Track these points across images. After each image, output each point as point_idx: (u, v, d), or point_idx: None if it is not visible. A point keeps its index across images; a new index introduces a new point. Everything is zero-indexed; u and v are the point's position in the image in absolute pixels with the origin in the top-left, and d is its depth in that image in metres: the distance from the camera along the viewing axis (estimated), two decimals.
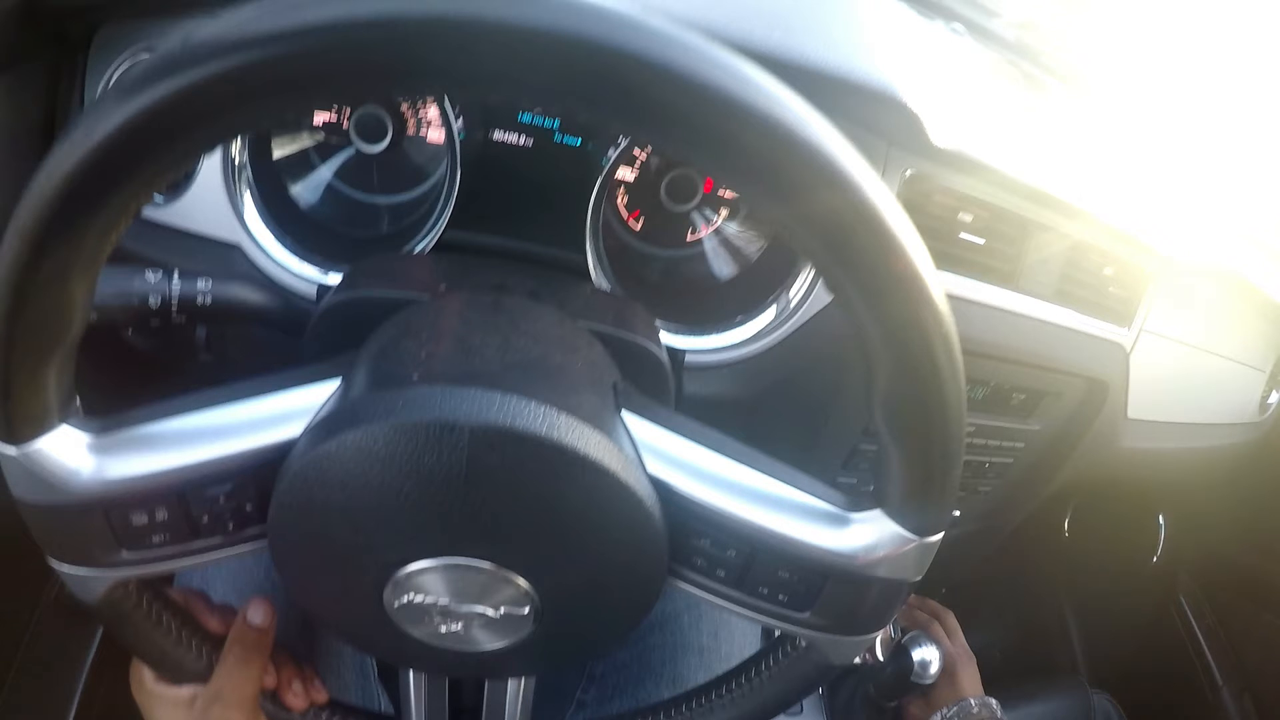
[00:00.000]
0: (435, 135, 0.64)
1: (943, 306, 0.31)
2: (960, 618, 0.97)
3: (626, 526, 0.38)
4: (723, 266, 0.68)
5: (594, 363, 0.44)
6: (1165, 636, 1.21)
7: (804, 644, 0.46)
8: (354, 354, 0.42)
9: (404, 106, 0.62)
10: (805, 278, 0.63)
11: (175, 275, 0.50)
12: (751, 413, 0.64)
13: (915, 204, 0.62)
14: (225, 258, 0.59)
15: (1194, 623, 1.19)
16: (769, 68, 0.26)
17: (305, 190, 0.64)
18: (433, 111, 0.63)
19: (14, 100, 0.55)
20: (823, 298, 0.62)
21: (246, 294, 0.53)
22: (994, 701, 0.86)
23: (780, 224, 0.29)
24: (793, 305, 0.63)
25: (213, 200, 0.58)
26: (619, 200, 0.66)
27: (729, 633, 0.77)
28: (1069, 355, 0.73)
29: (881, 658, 0.85)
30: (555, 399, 0.37)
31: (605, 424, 0.39)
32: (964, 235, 0.65)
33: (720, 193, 0.66)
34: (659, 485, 0.39)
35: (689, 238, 0.68)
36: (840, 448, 0.73)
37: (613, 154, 0.57)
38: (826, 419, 0.70)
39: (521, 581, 0.40)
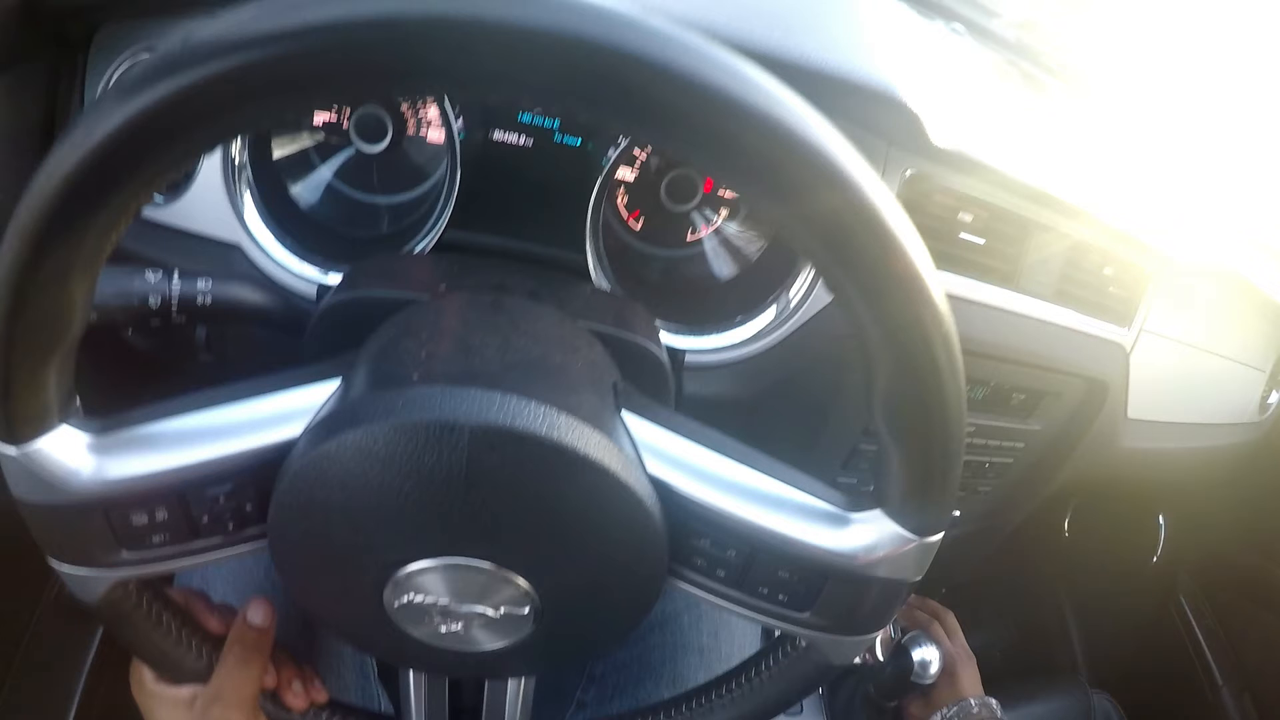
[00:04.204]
0: (435, 135, 0.64)
1: (943, 306, 0.31)
2: (960, 618, 0.97)
3: (626, 526, 0.38)
4: (723, 266, 0.68)
5: (594, 363, 0.44)
6: (1165, 636, 1.21)
7: (804, 644, 0.46)
8: (354, 354, 0.42)
9: (404, 106, 0.62)
10: (805, 278, 0.63)
11: (175, 275, 0.50)
12: (751, 413, 0.64)
13: (915, 204, 0.62)
14: (225, 258, 0.59)
15: (1194, 623, 1.19)
16: (769, 68, 0.26)
17: (305, 190, 0.64)
18: (433, 111, 0.63)
19: (14, 100, 0.55)
20: (823, 298, 0.62)
21: (246, 294, 0.53)
22: (994, 701, 0.86)
23: (780, 224, 0.29)
24: (793, 305, 0.63)
25: (213, 200, 0.58)
26: (619, 200, 0.66)
27: (729, 633, 0.77)
28: (1069, 355, 0.73)
29: (881, 658, 0.85)
30: (555, 399, 0.37)
31: (605, 424, 0.39)
32: (964, 235, 0.65)
33: (720, 193, 0.66)
34: (659, 485, 0.39)
35: (689, 238, 0.68)
36: (840, 448, 0.73)
37: (613, 154, 0.57)
38: (826, 419, 0.70)
39: (521, 581, 0.40)
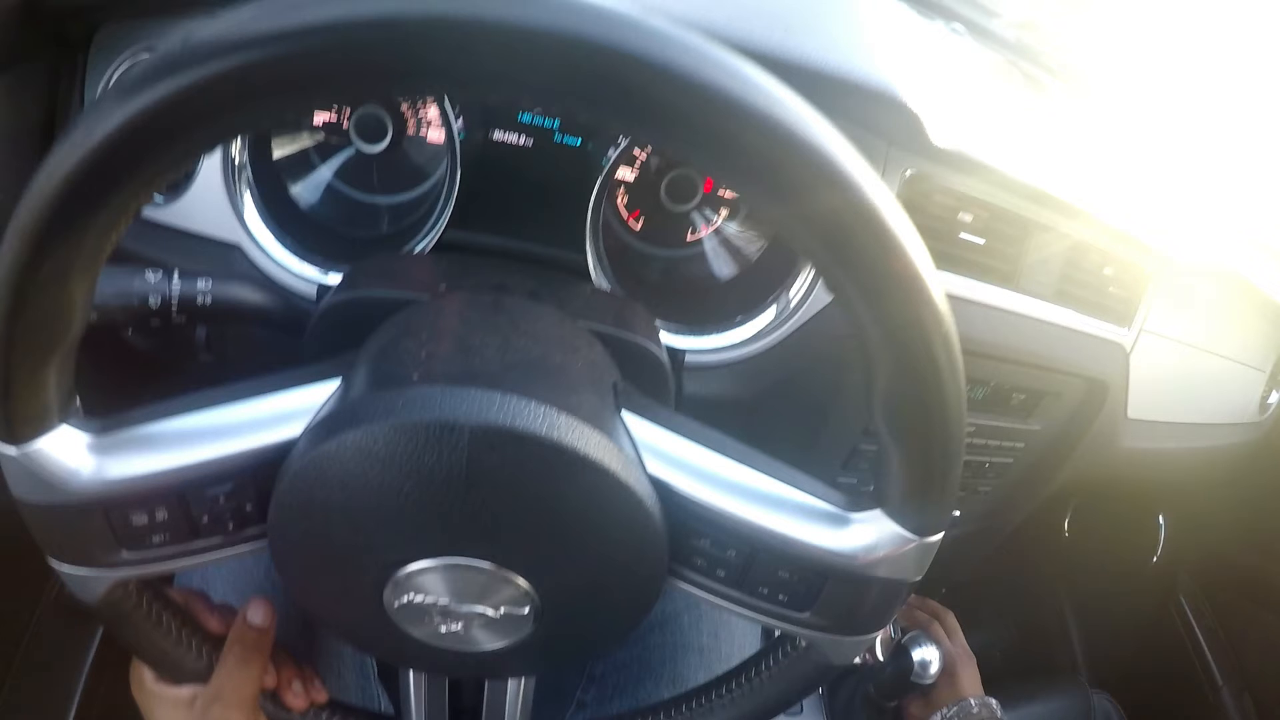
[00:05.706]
0: (435, 135, 0.64)
1: (943, 306, 0.31)
2: (960, 618, 0.97)
3: (626, 526, 0.38)
4: (723, 266, 0.68)
5: (594, 363, 0.44)
6: (1165, 636, 1.21)
7: (804, 644, 0.46)
8: (354, 354, 0.42)
9: (404, 106, 0.62)
10: (805, 278, 0.63)
11: (175, 275, 0.50)
12: (751, 413, 0.64)
13: (915, 204, 0.62)
14: (225, 258, 0.59)
15: (1194, 623, 1.19)
16: (769, 68, 0.26)
17: (305, 190, 0.64)
18: (433, 111, 0.63)
19: (14, 100, 0.55)
20: (823, 298, 0.62)
21: (246, 294, 0.53)
22: (994, 701, 0.86)
23: (780, 224, 0.29)
24: (793, 305, 0.63)
25: (213, 200, 0.58)
26: (619, 200, 0.66)
27: (729, 633, 0.77)
28: (1069, 355, 0.73)
29: (881, 658, 0.85)
30: (555, 399, 0.37)
31: (605, 424, 0.39)
32: (964, 235, 0.65)
33: (720, 193, 0.66)
34: (659, 485, 0.39)
35: (689, 238, 0.68)
36: (840, 448, 0.73)
37: (613, 154, 0.57)
38: (826, 419, 0.70)
39: (521, 581, 0.40)
